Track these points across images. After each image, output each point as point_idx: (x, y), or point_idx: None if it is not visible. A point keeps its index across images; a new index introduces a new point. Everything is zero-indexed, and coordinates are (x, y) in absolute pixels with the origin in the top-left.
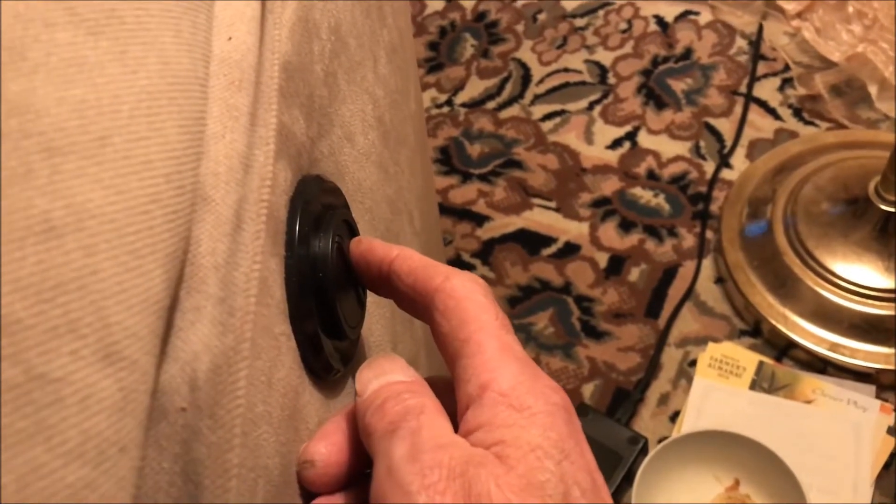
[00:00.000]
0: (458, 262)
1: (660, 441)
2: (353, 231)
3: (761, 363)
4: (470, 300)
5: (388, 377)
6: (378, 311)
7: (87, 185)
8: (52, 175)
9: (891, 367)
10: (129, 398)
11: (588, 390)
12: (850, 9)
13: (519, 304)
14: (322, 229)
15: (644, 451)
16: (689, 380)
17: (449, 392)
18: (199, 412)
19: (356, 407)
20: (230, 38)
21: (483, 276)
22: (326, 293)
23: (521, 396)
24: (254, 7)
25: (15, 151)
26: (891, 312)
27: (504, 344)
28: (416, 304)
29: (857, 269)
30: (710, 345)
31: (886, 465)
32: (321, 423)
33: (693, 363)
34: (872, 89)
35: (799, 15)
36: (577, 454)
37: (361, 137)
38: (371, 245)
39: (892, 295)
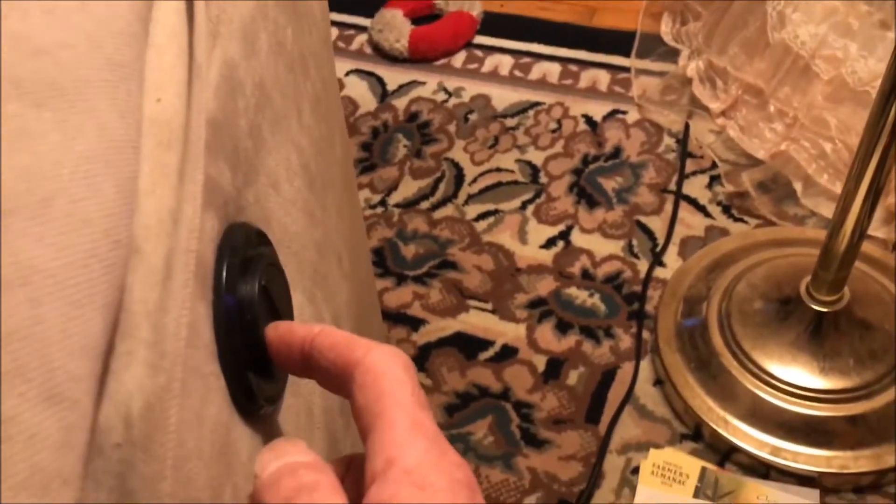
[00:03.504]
0: None
1: None
2: (280, 273)
3: (704, 469)
4: (388, 374)
5: (287, 458)
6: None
7: (32, 243)
8: (2, 235)
9: (833, 469)
10: (71, 435)
11: None
12: (772, 108)
13: (457, 412)
14: (249, 273)
15: None
16: (633, 488)
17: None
18: (134, 447)
19: (254, 488)
20: (159, 100)
21: (420, 384)
22: (254, 333)
23: (426, 474)
24: (180, 70)
25: None
26: (829, 413)
27: (415, 420)
28: (336, 379)
29: (792, 371)
30: (652, 451)
31: None
32: (252, 458)
33: (636, 471)
34: (797, 186)
35: (723, 114)
36: None
37: (287, 185)
38: (290, 327)
39: (828, 396)
